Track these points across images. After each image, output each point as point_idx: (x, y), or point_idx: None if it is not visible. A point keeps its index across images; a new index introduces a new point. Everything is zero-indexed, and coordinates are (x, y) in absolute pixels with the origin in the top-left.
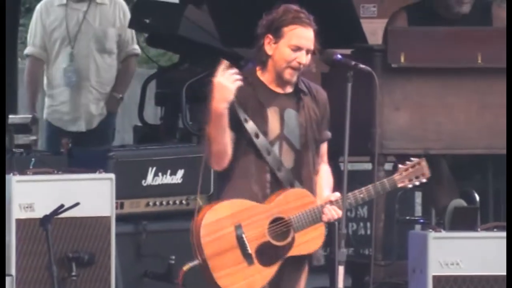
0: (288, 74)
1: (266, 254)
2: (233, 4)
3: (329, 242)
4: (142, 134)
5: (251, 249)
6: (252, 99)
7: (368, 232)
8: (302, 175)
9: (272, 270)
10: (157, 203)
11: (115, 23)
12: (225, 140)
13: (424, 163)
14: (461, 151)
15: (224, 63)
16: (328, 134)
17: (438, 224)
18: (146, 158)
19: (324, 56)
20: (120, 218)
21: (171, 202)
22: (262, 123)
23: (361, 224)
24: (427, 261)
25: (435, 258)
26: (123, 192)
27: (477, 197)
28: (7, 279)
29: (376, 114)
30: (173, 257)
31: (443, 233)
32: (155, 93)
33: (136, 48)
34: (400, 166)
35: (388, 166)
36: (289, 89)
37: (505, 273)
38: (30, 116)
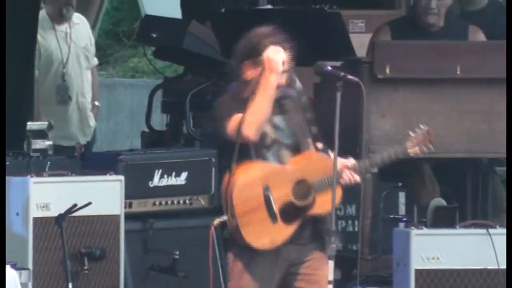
0: None
1: (288, 213)
2: (233, 20)
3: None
4: (149, 139)
5: (276, 209)
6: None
7: (356, 229)
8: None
9: (292, 228)
10: (163, 202)
11: (90, 39)
12: (269, 110)
13: (432, 130)
14: (442, 155)
15: None
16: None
17: (420, 222)
18: (153, 161)
19: (316, 68)
20: (129, 217)
21: (175, 202)
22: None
23: (350, 221)
24: (410, 255)
25: (418, 253)
26: (131, 193)
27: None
28: (25, 272)
29: (363, 121)
30: (177, 252)
31: (425, 230)
32: (161, 102)
33: (96, 60)
34: (410, 133)
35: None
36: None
37: (481, 267)
38: (47, 123)
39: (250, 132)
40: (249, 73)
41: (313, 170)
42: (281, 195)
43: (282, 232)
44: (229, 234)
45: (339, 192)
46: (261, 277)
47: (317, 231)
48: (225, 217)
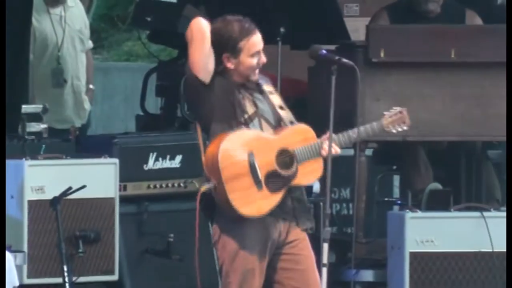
0: (254, 76)
1: (273, 181)
2: (228, 4)
3: (314, 222)
4: (143, 122)
5: (261, 175)
6: (226, 84)
7: (351, 212)
8: None
9: (277, 197)
10: (158, 185)
11: (85, 22)
12: (208, 50)
13: (405, 112)
14: (436, 138)
15: None
16: None
17: (414, 205)
18: (147, 144)
19: (311, 52)
20: (124, 200)
21: (170, 185)
22: (239, 103)
23: (344, 204)
24: (404, 239)
25: (412, 236)
26: (126, 176)
27: None
28: (20, 255)
29: (358, 105)
30: (172, 235)
31: (419, 213)
32: (156, 85)
33: (91, 42)
34: (385, 113)
35: (368, 152)
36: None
37: (475, 250)
38: (41, 106)
39: (198, 69)
40: (230, 64)
41: (294, 140)
42: (265, 163)
43: (268, 200)
44: (212, 205)
45: (321, 164)
46: (253, 259)
47: (301, 211)
48: (211, 184)
